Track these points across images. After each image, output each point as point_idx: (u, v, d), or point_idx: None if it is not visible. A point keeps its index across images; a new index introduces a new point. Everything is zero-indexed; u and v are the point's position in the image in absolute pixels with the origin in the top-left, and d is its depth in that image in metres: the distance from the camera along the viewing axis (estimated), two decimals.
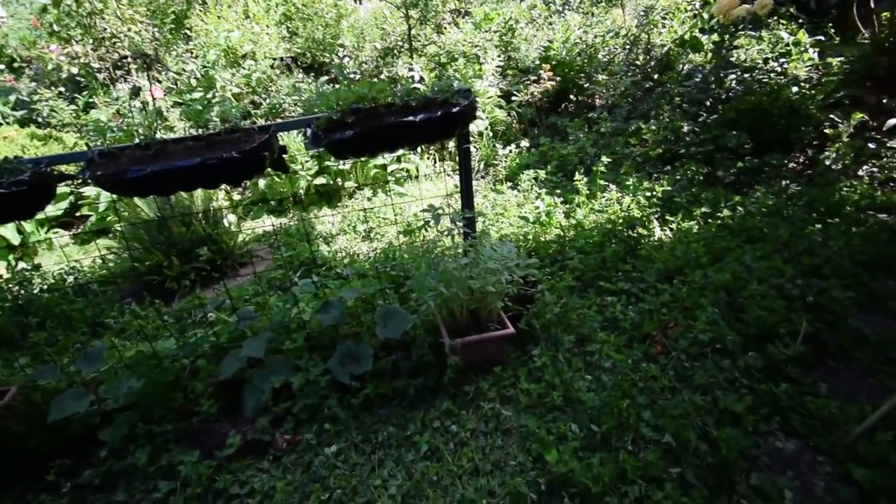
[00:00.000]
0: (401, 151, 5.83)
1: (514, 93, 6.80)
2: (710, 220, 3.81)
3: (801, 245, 3.29)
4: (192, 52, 7.85)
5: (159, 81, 7.37)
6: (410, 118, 2.08)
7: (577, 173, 4.38)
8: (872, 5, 5.58)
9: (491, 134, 6.17)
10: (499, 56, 7.28)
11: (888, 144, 4.68)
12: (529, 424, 2.28)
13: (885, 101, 4.92)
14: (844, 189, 4.12)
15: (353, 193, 5.79)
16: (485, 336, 2.56)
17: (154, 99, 6.23)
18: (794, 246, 3.29)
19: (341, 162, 5.76)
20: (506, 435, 2.33)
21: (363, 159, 5.74)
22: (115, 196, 4.24)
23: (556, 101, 7.07)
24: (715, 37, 5.96)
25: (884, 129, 4.77)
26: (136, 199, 4.57)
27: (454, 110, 2.16)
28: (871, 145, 4.70)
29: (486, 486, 2.06)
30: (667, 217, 3.91)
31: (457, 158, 2.62)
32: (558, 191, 4.64)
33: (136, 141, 2.24)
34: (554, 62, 6.72)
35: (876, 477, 1.83)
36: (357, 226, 4.84)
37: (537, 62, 6.88)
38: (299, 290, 2.91)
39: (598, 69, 6.66)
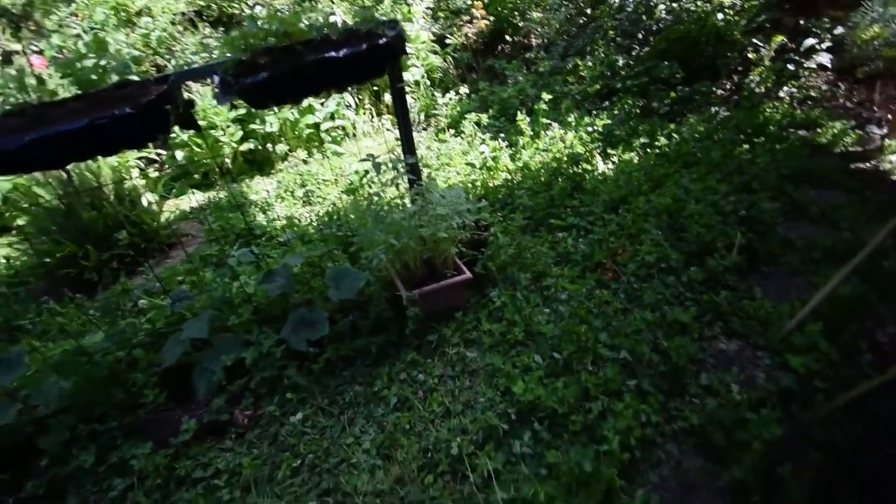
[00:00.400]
0: (332, 106, 5.47)
1: (448, 36, 6.50)
2: (648, 150, 3.90)
3: (732, 165, 3.46)
4: (77, 15, 6.79)
5: (40, 51, 6.35)
6: (332, 54, 1.87)
7: (519, 115, 4.30)
8: None
9: (428, 82, 5.91)
10: None
11: (805, 65, 4.95)
12: (495, 362, 2.30)
13: (801, 22, 5.14)
14: (767, 110, 4.34)
15: (285, 157, 5.41)
16: (442, 284, 2.51)
17: (33, 68, 5.37)
18: (726, 166, 3.46)
19: (268, 125, 5.33)
20: (473, 375, 2.34)
21: (292, 117, 5.34)
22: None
23: (492, 42, 6.84)
24: None
25: (801, 49, 5.01)
26: (35, 187, 4.01)
27: (381, 42, 1.96)
28: (790, 66, 4.95)
29: (458, 425, 2.07)
30: (608, 151, 3.96)
31: (394, 109, 2.44)
32: (502, 135, 4.56)
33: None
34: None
35: (810, 362, 2.01)
36: (295, 191, 4.55)
37: (469, 1, 6.56)
38: (236, 262, 2.70)
39: (531, 5, 6.47)
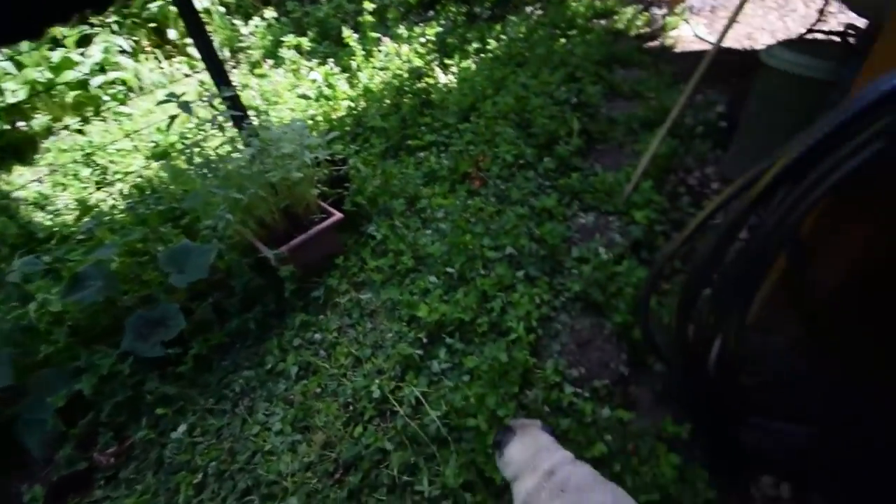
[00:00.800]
0: (97, 54, 4.21)
1: None
2: (482, 56, 3.91)
3: (557, 58, 3.68)
4: None
5: None
6: None
7: (344, 32, 3.86)
8: None
9: (223, 10, 4.89)
10: None
11: None
12: (392, 296, 2.20)
13: None
14: (573, 4, 4.66)
15: (49, 132, 4.10)
16: (311, 233, 2.23)
17: None
18: (552, 60, 3.66)
19: (9, 93, 3.90)
20: (373, 317, 2.22)
21: (43, 77, 3.98)
22: None
23: None
24: None
25: None
26: None
27: None
28: None
29: (372, 368, 1.97)
30: (446, 61, 3.86)
31: (187, 51, 1.88)
32: (332, 59, 4.08)
33: None
34: None
35: (649, 214, 2.34)
36: (79, 171, 3.51)
37: None
38: (21, 277, 2.00)
39: None
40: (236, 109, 2.04)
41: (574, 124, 2.95)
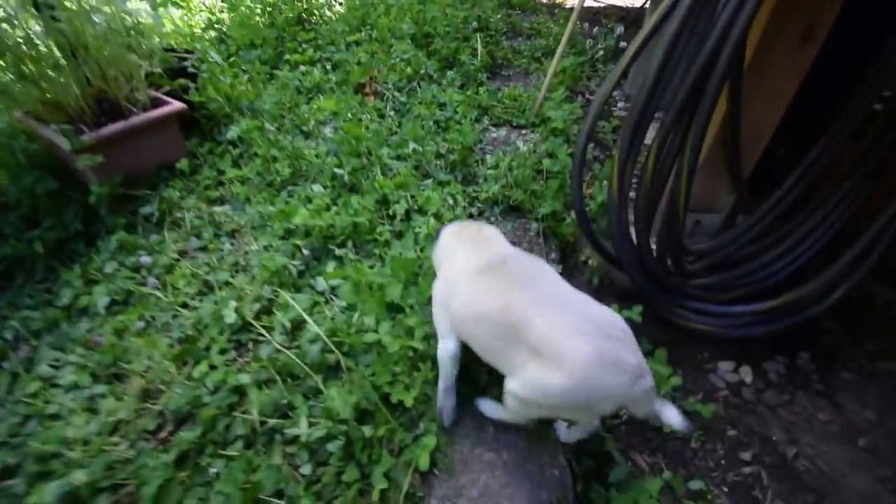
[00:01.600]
0: None
1: None
2: None
3: None
4: None
5: None
6: None
7: None
8: None
9: None
10: None
11: None
12: (261, 210, 1.66)
13: None
14: None
15: None
16: (134, 121, 1.61)
17: None
18: None
19: None
20: (234, 236, 1.65)
21: None
22: None
23: None
24: None
25: None
26: None
27: None
28: None
29: (228, 295, 1.41)
30: None
31: None
32: None
33: None
34: None
35: (560, 117, 2.13)
36: None
37: None
38: None
39: None
40: None
41: (478, 44, 2.68)
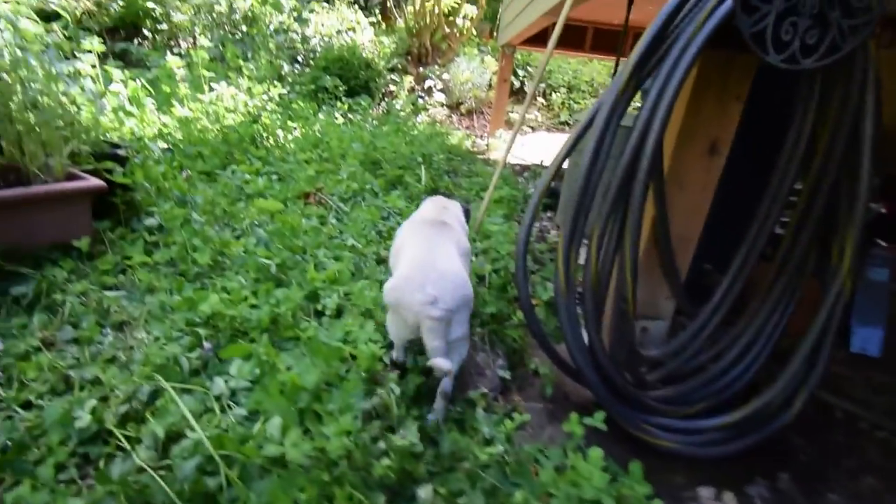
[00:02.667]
0: None
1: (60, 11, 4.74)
2: (334, 118, 3.87)
3: (406, 139, 3.84)
4: None
5: None
6: None
7: (169, 57, 3.40)
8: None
9: None
10: None
11: (429, 101, 6.38)
12: (164, 300, 1.41)
13: (421, 69, 6.67)
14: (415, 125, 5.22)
15: None
16: (35, 190, 1.41)
17: None
18: (404, 137, 3.81)
19: None
20: (121, 328, 1.35)
21: None
22: None
23: (126, 35, 5.52)
24: (293, 2, 6.33)
25: (425, 88, 6.45)
26: None
27: None
28: (420, 100, 6.26)
29: (89, 395, 1.08)
30: (288, 123, 3.66)
31: None
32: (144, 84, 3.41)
33: None
34: None
35: (500, 230, 2.20)
36: None
37: None
38: None
39: (174, 4, 5.64)
40: None
41: (422, 172, 2.90)
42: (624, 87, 1.08)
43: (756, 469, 1.29)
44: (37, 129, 1.52)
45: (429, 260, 1.22)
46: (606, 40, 4.60)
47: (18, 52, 1.47)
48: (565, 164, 1.45)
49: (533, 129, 6.99)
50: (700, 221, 1.39)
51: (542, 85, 7.41)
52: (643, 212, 1.13)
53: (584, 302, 1.25)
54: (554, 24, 4.34)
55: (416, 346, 1.32)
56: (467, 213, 1.72)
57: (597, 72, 7.86)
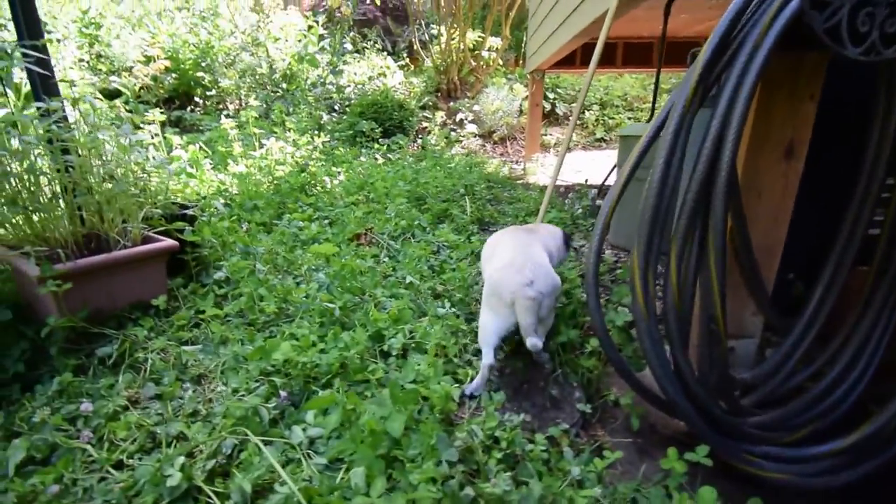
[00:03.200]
0: None
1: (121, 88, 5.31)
2: (377, 158, 3.99)
3: (445, 172, 3.91)
4: None
5: None
6: None
7: (222, 119, 3.65)
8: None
9: None
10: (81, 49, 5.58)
11: (461, 132, 6.51)
12: (237, 350, 1.45)
13: (451, 104, 6.85)
14: (455, 158, 5.31)
15: None
16: (117, 255, 1.52)
17: None
18: (443, 170, 3.87)
19: None
20: (199, 381, 1.40)
21: None
22: None
23: (180, 103, 6.05)
24: (329, 57, 6.76)
25: (457, 120, 6.60)
26: None
27: None
28: (454, 133, 6.40)
29: (177, 452, 1.10)
30: (332, 169, 3.82)
31: None
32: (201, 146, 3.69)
33: None
34: (164, 56, 5.71)
35: None
36: None
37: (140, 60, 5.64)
38: None
39: (221, 72, 6.15)
40: (42, 67, 1.50)
41: (467, 204, 2.91)
42: (689, 101, 1.04)
43: (880, 498, 1.13)
44: (114, 198, 1.66)
45: (527, 252, 1.45)
46: (637, 54, 4.56)
47: (92, 129, 1.62)
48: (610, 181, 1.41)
49: (570, 148, 6.92)
50: (783, 229, 1.29)
51: (574, 105, 7.40)
52: (726, 227, 1.06)
53: (665, 326, 1.18)
54: (585, 44, 4.35)
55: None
56: (567, 239, 1.80)
57: (629, 86, 7.77)
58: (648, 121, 2.79)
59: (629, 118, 7.45)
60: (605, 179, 3.20)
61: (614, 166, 2.94)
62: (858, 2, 0.97)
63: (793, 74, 1.16)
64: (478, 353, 1.59)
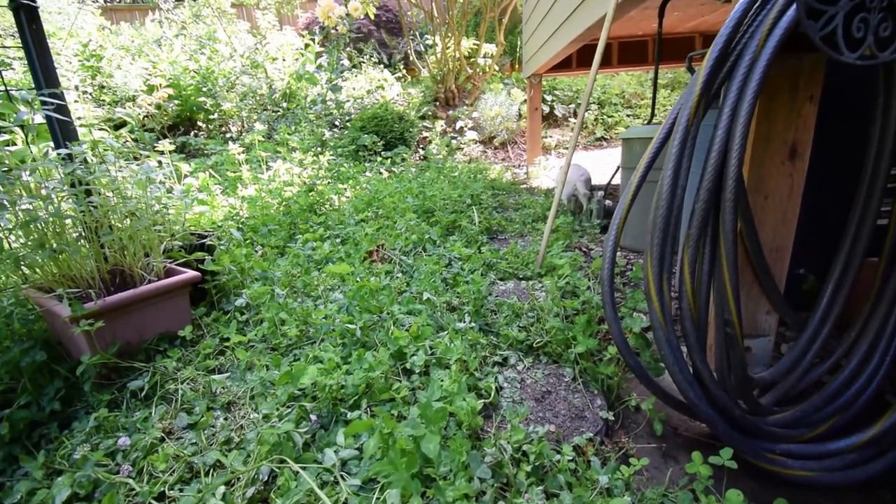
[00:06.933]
0: None
1: (126, 119, 5.42)
2: (381, 172, 4.04)
3: (450, 181, 3.95)
4: None
5: None
6: None
7: (230, 144, 3.73)
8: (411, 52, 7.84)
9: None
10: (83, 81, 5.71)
11: (462, 140, 6.56)
12: (263, 376, 1.49)
13: (449, 112, 6.91)
14: (458, 167, 5.37)
15: None
16: (143, 290, 1.57)
17: None
18: (446, 180, 3.92)
19: None
20: (229, 409, 1.44)
21: None
22: None
23: (184, 129, 6.15)
24: (327, 74, 6.84)
25: (457, 128, 6.65)
26: None
27: None
28: (454, 141, 6.45)
29: (216, 479, 1.14)
30: (339, 186, 3.88)
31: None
32: (211, 173, 3.78)
33: None
34: (166, 84, 5.82)
35: (567, 262, 2.17)
36: None
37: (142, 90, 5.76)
38: None
39: (223, 95, 6.26)
40: (61, 113, 1.56)
41: (475, 214, 2.95)
42: (693, 115, 1.07)
43: None
44: (136, 234, 1.71)
45: (579, 170, 3.14)
46: (633, 52, 4.59)
47: (114, 167, 1.67)
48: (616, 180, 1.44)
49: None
50: (791, 229, 1.31)
51: (572, 106, 7.43)
52: (737, 234, 1.08)
53: (683, 332, 1.20)
54: (582, 48, 4.36)
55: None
56: (588, 178, 3.19)
57: (626, 83, 7.80)
58: (649, 121, 2.82)
59: (628, 116, 7.48)
60: (611, 180, 3.22)
61: (618, 168, 2.97)
62: (852, 9, 1.00)
63: (792, 76, 1.19)
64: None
